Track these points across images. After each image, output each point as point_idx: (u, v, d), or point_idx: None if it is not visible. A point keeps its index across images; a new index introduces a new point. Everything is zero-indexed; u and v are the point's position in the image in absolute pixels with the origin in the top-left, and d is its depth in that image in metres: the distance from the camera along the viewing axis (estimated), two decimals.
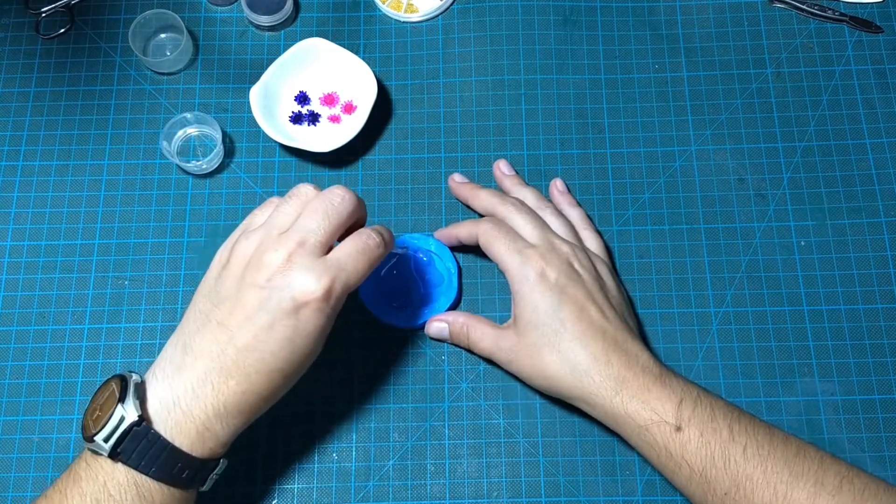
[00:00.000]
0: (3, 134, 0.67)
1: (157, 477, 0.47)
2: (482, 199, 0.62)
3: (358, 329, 0.62)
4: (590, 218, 0.63)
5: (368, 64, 0.67)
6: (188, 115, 0.66)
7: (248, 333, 0.48)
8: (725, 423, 0.51)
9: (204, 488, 0.50)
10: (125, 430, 0.46)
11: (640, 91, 0.68)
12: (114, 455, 0.46)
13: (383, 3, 0.71)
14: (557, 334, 0.54)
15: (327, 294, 0.48)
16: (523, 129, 0.67)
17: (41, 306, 0.63)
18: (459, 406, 0.60)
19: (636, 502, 0.58)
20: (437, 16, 0.71)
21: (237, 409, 0.48)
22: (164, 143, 0.65)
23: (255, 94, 0.65)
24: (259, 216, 0.53)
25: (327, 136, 0.66)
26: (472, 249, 0.62)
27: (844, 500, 0.48)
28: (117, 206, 0.65)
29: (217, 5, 0.72)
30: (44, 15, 0.71)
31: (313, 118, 0.67)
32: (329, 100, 0.68)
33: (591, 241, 0.61)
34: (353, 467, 0.59)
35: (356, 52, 0.68)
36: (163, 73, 0.69)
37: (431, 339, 0.61)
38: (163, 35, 0.70)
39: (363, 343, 0.62)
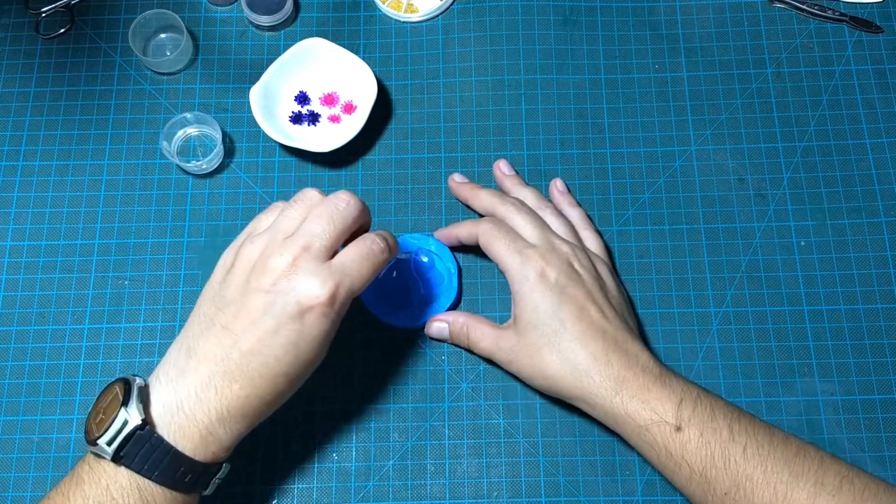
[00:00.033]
0: (3, 134, 0.67)
1: (159, 481, 0.47)
2: (482, 199, 0.62)
3: (358, 329, 0.62)
4: (590, 218, 0.63)
5: (368, 64, 0.67)
6: (188, 115, 0.66)
7: (252, 337, 0.48)
8: (725, 423, 0.51)
9: (207, 492, 0.50)
10: (128, 434, 0.46)
11: (640, 91, 0.68)
12: (117, 459, 0.46)
13: (383, 3, 0.71)
14: (557, 334, 0.54)
15: (332, 298, 0.48)
16: (523, 129, 0.67)
17: (41, 306, 0.63)
18: (459, 406, 0.60)
19: (636, 502, 0.58)
20: (437, 16, 0.71)
21: (241, 414, 0.48)
22: (164, 143, 0.65)
23: (255, 94, 0.65)
24: (264, 220, 0.53)
25: (327, 136, 0.66)
26: (472, 249, 0.62)
27: (844, 500, 0.48)
28: (117, 206, 0.65)
29: (217, 5, 0.71)
30: (44, 15, 0.71)
31: (313, 118, 0.67)
32: (329, 100, 0.68)
33: (591, 241, 0.61)
34: (353, 467, 0.59)
35: (356, 52, 0.68)
36: (163, 73, 0.69)
37: (431, 339, 0.61)
38: (163, 35, 0.70)
39: (363, 343, 0.62)
